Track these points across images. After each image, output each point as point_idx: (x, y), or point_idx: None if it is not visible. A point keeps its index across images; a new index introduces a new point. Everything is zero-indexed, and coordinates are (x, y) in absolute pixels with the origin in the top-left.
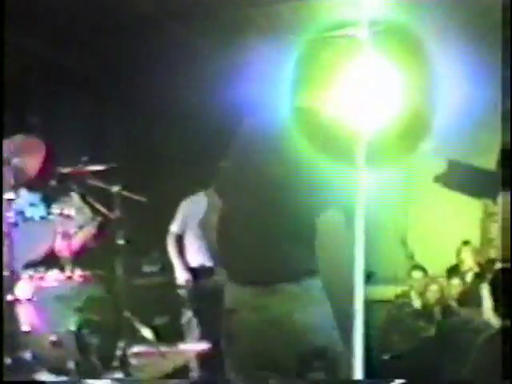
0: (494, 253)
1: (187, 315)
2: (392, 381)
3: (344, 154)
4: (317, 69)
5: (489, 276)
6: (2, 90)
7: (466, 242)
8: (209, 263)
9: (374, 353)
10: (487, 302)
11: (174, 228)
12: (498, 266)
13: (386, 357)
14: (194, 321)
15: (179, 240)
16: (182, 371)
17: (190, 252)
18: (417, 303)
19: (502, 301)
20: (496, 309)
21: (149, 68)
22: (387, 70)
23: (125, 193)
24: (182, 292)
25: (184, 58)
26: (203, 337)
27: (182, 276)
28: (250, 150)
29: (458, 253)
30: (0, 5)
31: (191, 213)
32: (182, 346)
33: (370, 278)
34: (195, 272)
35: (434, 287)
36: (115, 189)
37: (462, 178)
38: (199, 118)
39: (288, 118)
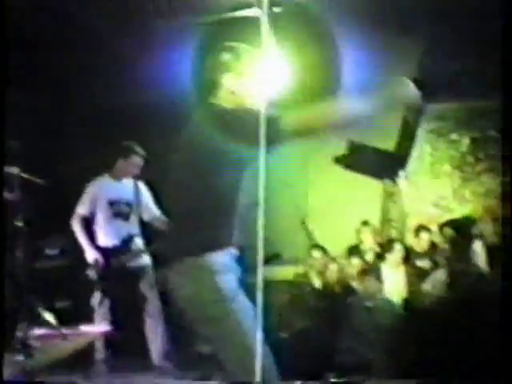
0: (393, 233)
1: (97, 296)
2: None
3: (245, 135)
4: (217, 50)
5: (388, 255)
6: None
7: (365, 222)
8: (119, 244)
9: (274, 331)
10: (389, 280)
11: (82, 210)
12: (398, 246)
13: (285, 335)
14: (106, 301)
15: (87, 222)
16: (84, 353)
17: (99, 234)
18: (317, 282)
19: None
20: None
21: (54, 48)
22: (287, 51)
23: (24, 175)
24: (91, 273)
25: (86, 41)
26: (113, 317)
27: (91, 256)
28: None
29: (358, 233)
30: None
31: (100, 195)
32: (84, 328)
33: (276, 259)
34: (105, 253)
35: (333, 266)
36: (15, 170)
37: (362, 159)
38: (105, 99)
39: (190, 99)
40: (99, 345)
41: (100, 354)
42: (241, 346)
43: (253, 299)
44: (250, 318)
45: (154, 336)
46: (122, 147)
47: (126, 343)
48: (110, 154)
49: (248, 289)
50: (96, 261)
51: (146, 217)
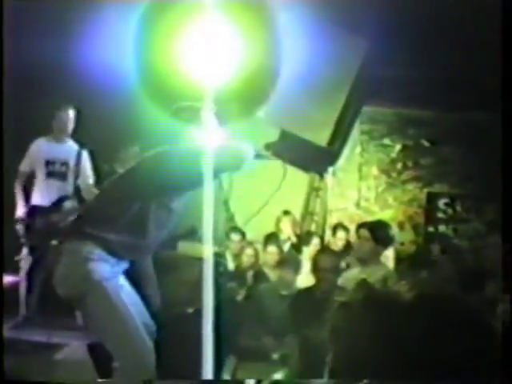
0: (313, 227)
1: (23, 252)
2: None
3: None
4: (161, 30)
5: (304, 248)
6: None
7: (286, 212)
8: (51, 203)
9: (179, 307)
10: (305, 269)
11: (21, 167)
12: (315, 240)
13: (190, 310)
14: (28, 257)
15: (27, 178)
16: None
17: (35, 192)
18: (231, 265)
19: None
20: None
21: None
22: (230, 31)
23: None
24: (19, 228)
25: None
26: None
27: (18, 212)
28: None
29: (278, 221)
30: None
31: (39, 153)
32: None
33: (192, 234)
34: (36, 211)
35: (249, 251)
36: None
37: (292, 150)
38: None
39: (134, 80)
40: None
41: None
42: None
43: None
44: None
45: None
46: (52, 105)
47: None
48: (46, 114)
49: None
50: (21, 217)
51: (80, 181)
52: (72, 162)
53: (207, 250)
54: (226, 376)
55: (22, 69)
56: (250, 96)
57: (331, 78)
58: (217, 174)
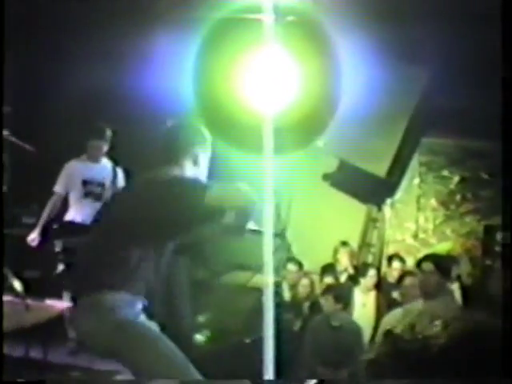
0: (370, 258)
1: (59, 268)
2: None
3: (246, 142)
4: (220, 57)
5: (361, 279)
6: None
7: (344, 243)
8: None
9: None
10: (358, 304)
11: (57, 189)
12: (372, 272)
13: (247, 340)
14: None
15: (62, 200)
16: (43, 326)
17: (70, 211)
18: (287, 295)
19: None
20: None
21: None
22: (290, 61)
23: (13, 138)
24: (57, 245)
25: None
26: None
27: (33, 234)
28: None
29: (335, 252)
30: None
31: (75, 174)
32: (49, 302)
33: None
34: (72, 228)
35: (305, 282)
36: (4, 132)
37: (351, 180)
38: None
39: (191, 104)
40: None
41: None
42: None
43: None
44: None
45: None
46: (92, 129)
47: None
48: (83, 135)
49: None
50: (32, 240)
51: None
52: (108, 183)
53: (268, 280)
54: None
55: (82, 94)
56: (308, 125)
57: (390, 109)
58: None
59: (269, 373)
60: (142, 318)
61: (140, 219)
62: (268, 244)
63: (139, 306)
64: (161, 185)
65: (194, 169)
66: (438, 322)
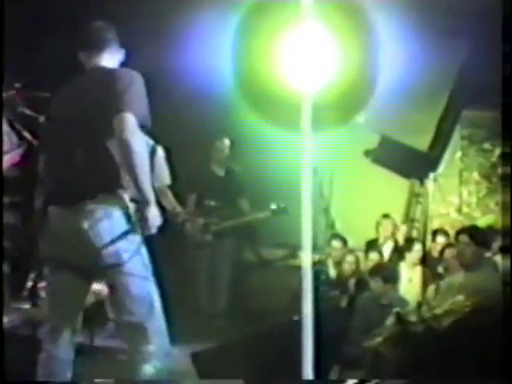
0: (414, 233)
1: None
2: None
3: (285, 119)
4: (260, 35)
5: (407, 254)
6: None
7: (385, 215)
8: None
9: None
10: (404, 280)
11: None
12: (417, 246)
13: (296, 318)
14: None
15: None
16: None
17: None
18: (332, 272)
19: None
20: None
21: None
22: (328, 38)
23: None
24: None
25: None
26: None
27: None
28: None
29: (378, 225)
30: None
31: None
32: (95, 286)
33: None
34: None
35: (350, 258)
36: (42, 118)
37: (393, 156)
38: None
39: (230, 83)
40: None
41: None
42: None
43: None
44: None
45: None
46: None
47: None
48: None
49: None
50: None
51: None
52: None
53: (306, 259)
54: None
55: None
56: (348, 102)
57: (431, 83)
58: None
59: (308, 352)
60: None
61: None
62: (307, 222)
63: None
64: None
65: None
66: (461, 297)
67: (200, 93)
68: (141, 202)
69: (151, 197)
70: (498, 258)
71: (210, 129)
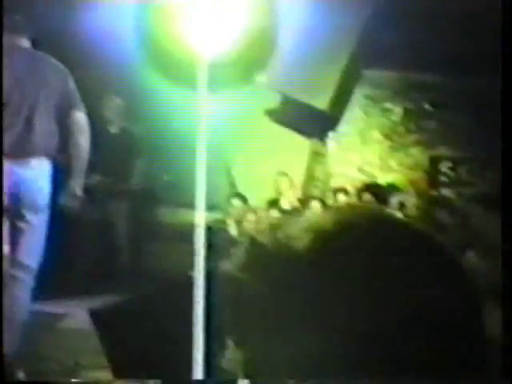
0: (315, 192)
1: None
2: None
3: (183, 80)
4: None
5: (306, 211)
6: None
7: (282, 173)
8: None
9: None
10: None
11: None
12: (315, 203)
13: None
14: None
15: None
16: None
17: None
18: (233, 231)
19: None
20: None
21: None
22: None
23: None
24: None
25: None
26: None
27: None
28: None
29: (276, 184)
30: None
31: None
32: None
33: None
34: None
35: (251, 217)
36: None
37: (293, 115)
38: None
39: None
40: None
41: None
42: None
43: None
44: None
45: None
46: None
47: None
48: None
49: None
50: None
51: None
52: None
53: (199, 218)
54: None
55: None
56: (249, 61)
57: (332, 43)
58: None
59: (199, 310)
60: None
61: None
62: (201, 181)
63: None
64: None
65: None
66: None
67: (97, 53)
68: None
69: None
70: (399, 215)
71: (103, 87)
